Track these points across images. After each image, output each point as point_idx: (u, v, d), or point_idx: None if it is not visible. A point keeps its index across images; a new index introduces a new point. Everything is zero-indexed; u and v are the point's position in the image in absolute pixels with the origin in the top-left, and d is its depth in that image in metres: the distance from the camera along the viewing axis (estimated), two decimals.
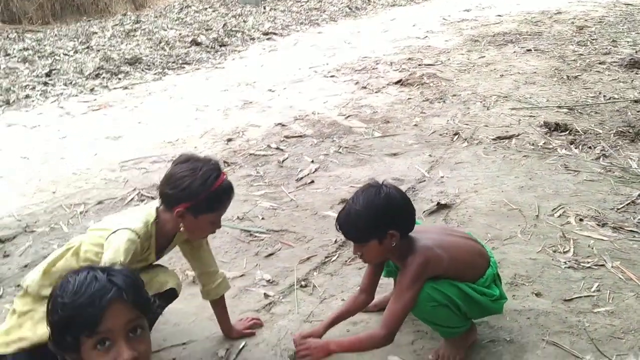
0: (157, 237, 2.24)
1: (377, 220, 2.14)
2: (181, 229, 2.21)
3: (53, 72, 7.31)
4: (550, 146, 4.45)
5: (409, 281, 2.17)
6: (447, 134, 4.85)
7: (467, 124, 5.04)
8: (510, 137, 4.67)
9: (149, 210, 2.25)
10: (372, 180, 2.29)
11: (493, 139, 4.66)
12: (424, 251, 2.19)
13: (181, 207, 2.14)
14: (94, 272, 1.39)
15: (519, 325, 2.51)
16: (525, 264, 2.98)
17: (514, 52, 7.52)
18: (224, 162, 4.44)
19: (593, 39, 7.94)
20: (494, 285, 2.31)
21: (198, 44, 8.76)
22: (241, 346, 2.48)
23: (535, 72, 6.50)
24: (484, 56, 7.40)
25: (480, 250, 2.35)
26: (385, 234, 2.15)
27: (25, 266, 3.17)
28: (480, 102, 5.63)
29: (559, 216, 3.43)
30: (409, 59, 7.43)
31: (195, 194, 2.11)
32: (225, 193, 2.18)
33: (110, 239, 2.11)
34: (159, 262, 2.42)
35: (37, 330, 2.17)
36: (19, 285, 2.99)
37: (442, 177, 4.04)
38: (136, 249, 2.13)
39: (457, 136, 4.77)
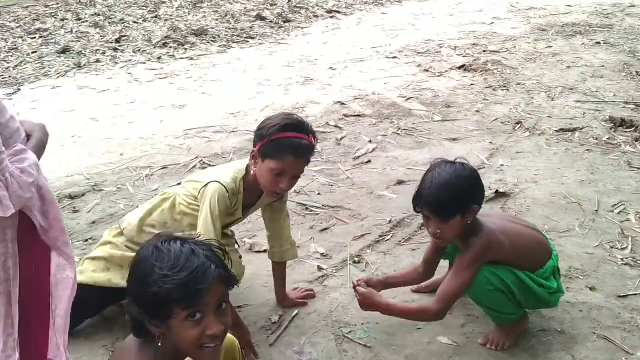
0: (245, 193, 2.34)
1: (465, 194, 2.17)
2: (252, 172, 2.28)
3: (123, 38, 7.54)
4: (615, 142, 4.34)
5: (469, 261, 2.19)
6: (509, 122, 4.78)
7: (530, 114, 4.96)
8: (573, 130, 4.57)
9: (239, 166, 2.37)
10: (438, 159, 2.27)
11: (556, 131, 4.58)
12: (487, 234, 2.20)
13: (257, 147, 2.23)
14: (189, 245, 1.43)
15: (571, 317, 2.50)
16: (582, 257, 2.95)
17: (583, 44, 7.29)
18: None
19: None
20: (553, 278, 2.31)
21: (263, 18, 8.84)
22: (294, 314, 2.56)
23: (603, 66, 6.30)
24: (551, 46, 7.21)
25: (543, 241, 2.34)
26: (469, 209, 2.17)
27: (93, 222, 3.34)
28: (545, 92, 5.52)
29: (618, 213, 3.37)
30: (474, 44, 7.31)
31: (265, 135, 2.19)
32: (292, 145, 2.17)
33: (204, 192, 2.26)
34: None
35: (107, 275, 2.39)
36: (87, 240, 3.16)
37: (501, 165, 4.01)
38: (226, 202, 2.25)
39: (519, 125, 4.71)
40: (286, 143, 2.18)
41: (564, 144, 4.36)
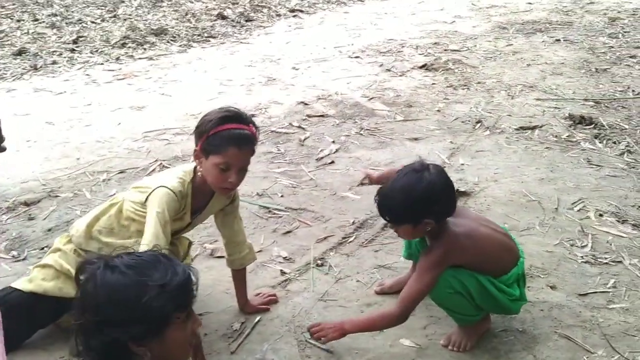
0: (193, 197, 2.29)
1: (414, 208, 2.13)
2: (198, 173, 2.23)
3: (80, 39, 7.36)
4: (574, 139, 4.41)
5: (430, 265, 2.18)
6: (469, 121, 4.82)
7: (490, 113, 5.01)
8: (533, 128, 4.64)
9: (187, 169, 2.31)
10: (418, 162, 2.22)
11: (516, 129, 4.64)
12: (451, 239, 2.19)
13: (198, 145, 2.18)
14: (150, 255, 1.41)
15: (532, 317, 2.53)
16: (542, 256, 2.98)
17: (543, 41, 7.41)
18: None
19: (625, 32, 7.78)
20: (517, 285, 2.32)
21: (224, 17, 8.74)
22: (256, 320, 2.52)
23: (563, 63, 6.41)
24: (512, 44, 7.31)
25: (511, 248, 2.35)
26: (421, 221, 2.15)
27: (49, 230, 3.24)
28: (505, 90, 5.58)
29: (578, 210, 3.42)
30: (435, 43, 7.36)
31: (205, 130, 2.14)
32: (233, 137, 2.13)
33: (150, 199, 2.20)
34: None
35: (57, 284, 2.32)
36: (42, 248, 3.07)
37: (462, 164, 4.03)
38: (175, 206, 2.20)
39: (479, 124, 4.75)
40: (226, 135, 2.13)
41: (524, 142, 4.41)
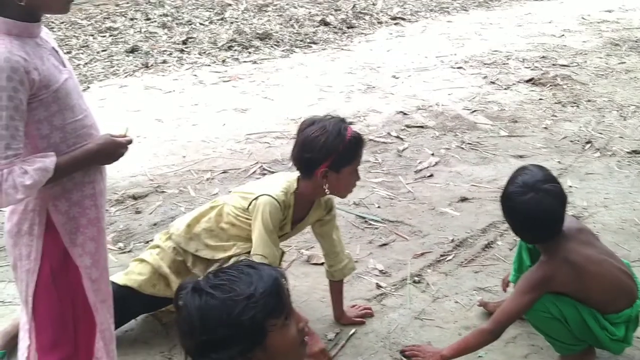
0: (295, 207, 2.32)
1: (516, 218, 2.20)
2: (326, 190, 2.27)
3: (189, 40, 7.66)
4: None
5: (528, 287, 2.14)
6: (578, 141, 4.60)
7: (601, 133, 4.76)
8: None
9: (290, 179, 2.34)
10: (540, 178, 2.17)
11: (628, 152, 4.38)
12: (556, 264, 2.12)
13: (323, 166, 2.20)
14: (245, 267, 1.42)
15: None
16: None
17: None
18: None
19: None
20: (625, 326, 2.19)
21: (326, 24, 8.82)
22: (351, 333, 2.51)
23: None
24: (624, 62, 6.92)
25: (628, 288, 2.21)
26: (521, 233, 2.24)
27: (155, 224, 3.38)
28: (617, 111, 5.29)
29: None
30: (543, 57, 7.09)
31: (334, 149, 2.18)
32: (358, 141, 2.27)
33: (255, 205, 2.25)
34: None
35: (151, 280, 2.40)
36: (147, 242, 3.20)
37: (570, 186, 3.85)
38: (278, 215, 2.25)
39: (589, 145, 4.52)
40: (355, 141, 2.24)
41: (636, 167, 4.16)
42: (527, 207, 2.10)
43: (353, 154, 2.24)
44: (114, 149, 1.73)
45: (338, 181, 2.25)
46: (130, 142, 1.79)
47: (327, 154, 2.18)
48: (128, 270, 2.46)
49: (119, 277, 2.43)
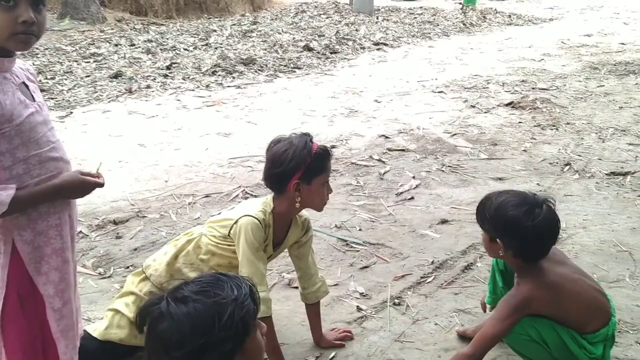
0: (274, 227, 2.33)
1: (498, 228, 2.17)
2: (299, 204, 2.28)
3: (173, 65, 7.71)
4: None
5: (508, 310, 2.14)
6: (557, 163, 4.67)
7: (579, 155, 4.83)
8: (625, 174, 4.43)
9: (266, 200, 2.36)
10: (541, 195, 2.19)
11: (607, 174, 4.45)
12: (535, 286, 2.13)
13: (295, 179, 2.23)
14: (219, 275, 1.45)
15: None
16: (631, 310, 2.82)
17: (636, 83, 7.12)
18: None
19: None
20: (602, 344, 2.20)
21: (310, 49, 8.94)
22: (331, 356, 2.50)
23: None
24: (603, 85, 7.07)
25: (603, 307, 2.23)
26: (496, 241, 2.18)
27: (135, 249, 3.37)
28: (596, 133, 5.38)
29: None
30: (522, 81, 7.21)
31: (302, 160, 2.21)
32: (326, 152, 2.30)
33: (236, 229, 2.25)
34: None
35: (132, 331, 2.32)
36: (128, 267, 3.19)
37: None
38: (261, 233, 2.25)
39: (568, 167, 4.59)
40: (322, 152, 2.27)
41: (615, 189, 4.22)
42: (535, 224, 2.09)
43: (322, 164, 2.27)
44: (81, 186, 1.73)
45: (310, 193, 2.27)
46: (100, 184, 1.78)
47: (297, 166, 2.21)
48: (107, 325, 2.36)
49: (99, 332, 2.34)
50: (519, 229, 2.10)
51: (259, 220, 2.25)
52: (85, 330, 2.37)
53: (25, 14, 1.53)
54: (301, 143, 2.23)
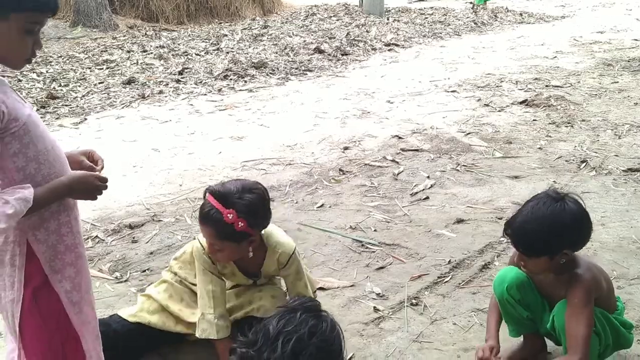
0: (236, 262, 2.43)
1: (557, 238, 2.02)
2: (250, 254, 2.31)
3: (185, 70, 7.74)
4: None
5: (584, 299, 2.06)
6: (573, 160, 4.62)
7: (595, 152, 4.78)
8: None
9: None
10: (552, 189, 2.16)
11: (624, 171, 4.39)
12: (586, 269, 2.12)
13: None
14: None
15: None
16: None
17: None
18: (339, 169, 4.50)
19: None
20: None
21: (321, 51, 8.93)
22: (349, 357, 2.49)
23: None
24: (617, 82, 6.99)
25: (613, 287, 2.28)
26: (559, 253, 2.05)
27: (151, 253, 3.37)
28: (611, 129, 5.32)
29: None
30: (536, 78, 7.16)
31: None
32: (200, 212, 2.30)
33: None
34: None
35: (161, 317, 2.45)
36: (144, 271, 3.19)
37: None
38: (204, 259, 2.35)
39: (584, 164, 4.54)
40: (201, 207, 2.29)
41: (633, 185, 4.16)
42: (575, 214, 2.04)
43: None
44: (86, 182, 1.75)
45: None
46: (104, 179, 1.79)
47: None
48: (138, 309, 2.48)
49: (129, 314, 2.46)
50: (576, 222, 2.04)
51: (202, 247, 2.33)
52: (116, 314, 2.50)
53: (40, 41, 1.62)
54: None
